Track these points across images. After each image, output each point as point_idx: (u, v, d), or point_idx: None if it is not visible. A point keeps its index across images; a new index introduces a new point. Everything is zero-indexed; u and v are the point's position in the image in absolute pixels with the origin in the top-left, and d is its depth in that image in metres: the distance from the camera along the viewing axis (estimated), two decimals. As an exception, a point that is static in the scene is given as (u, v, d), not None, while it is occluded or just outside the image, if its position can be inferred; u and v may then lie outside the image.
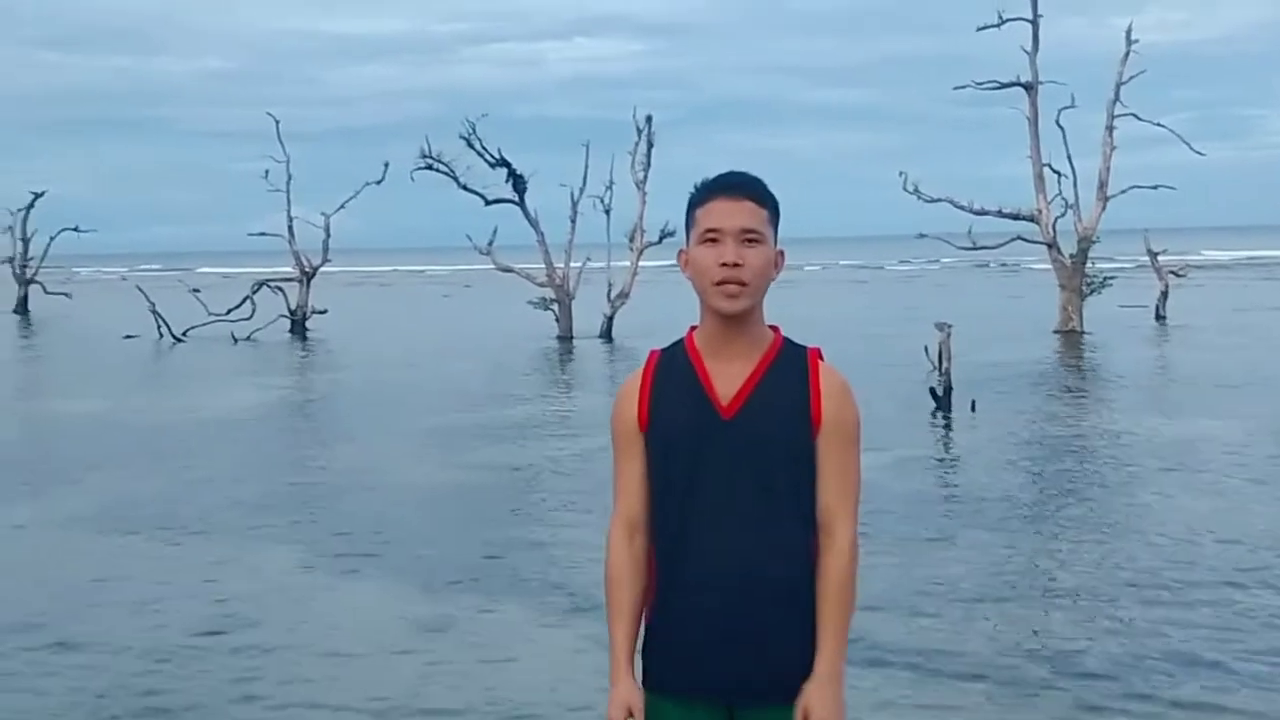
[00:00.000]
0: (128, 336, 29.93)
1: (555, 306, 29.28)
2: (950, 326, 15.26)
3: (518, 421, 15.28)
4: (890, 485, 10.36)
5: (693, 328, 2.82)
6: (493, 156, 29.59)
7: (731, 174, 2.76)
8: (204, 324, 30.21)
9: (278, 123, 34.31)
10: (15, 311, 43.18)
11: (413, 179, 30.24)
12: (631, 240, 30.35)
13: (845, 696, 2.70)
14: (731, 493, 2.67)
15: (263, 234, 35.31)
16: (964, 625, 6.96)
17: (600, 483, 11.42)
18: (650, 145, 30.46)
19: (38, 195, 46.18)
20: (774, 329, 2.80)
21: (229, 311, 30.37)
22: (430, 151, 29.61)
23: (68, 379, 23.30)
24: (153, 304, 30.28)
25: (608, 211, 30.76)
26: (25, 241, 45.87)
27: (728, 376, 2.71)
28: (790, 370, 2.71)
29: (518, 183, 29.72)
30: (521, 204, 29.99)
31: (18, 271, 45.62)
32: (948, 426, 14.31)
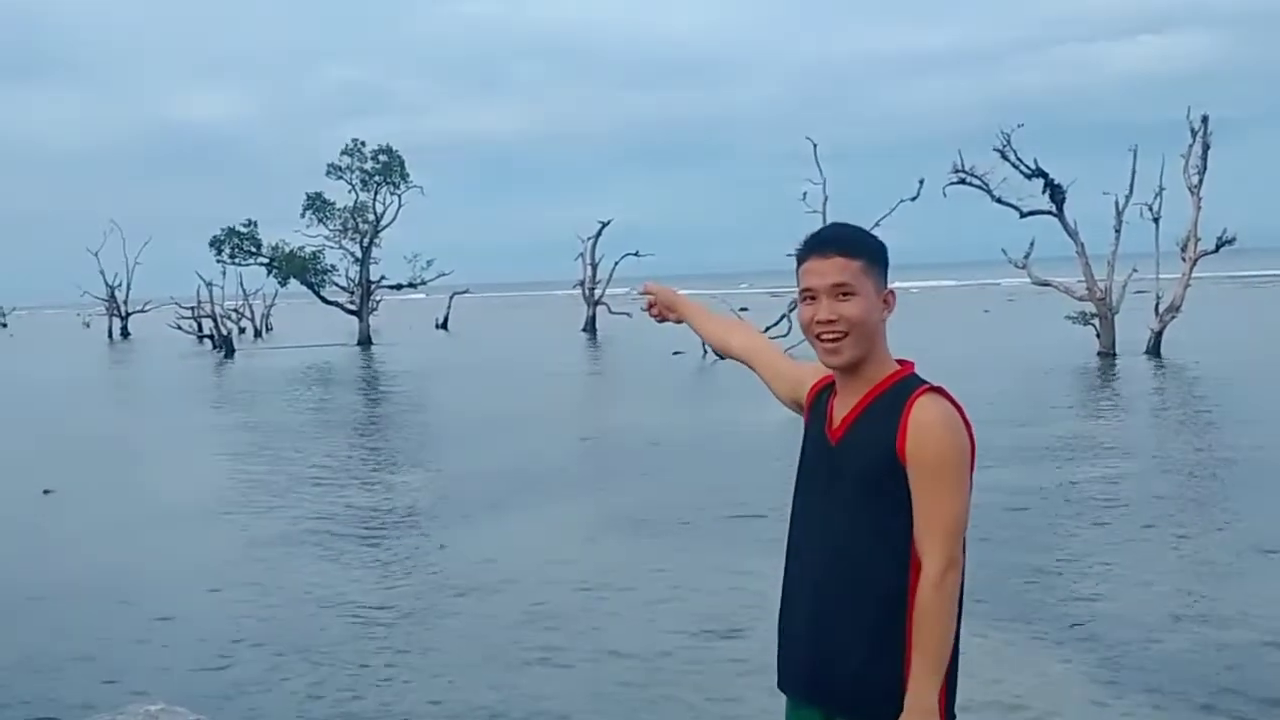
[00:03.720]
0: (675, 353, 32.09)
1: (1096, 321, 27.85)
2: None
3: (1047, 442, 14.73)
4: None
5: None
6: (1028, 167, 28.72)
7: (823, 231, 2.90)
8: (744, 341, 31.69)
9: (815, 146, 35.47)
10: (584, 330, 47.65)
11: (944, 194, 30.06)
12: (1184, 249, 28.27)
13: None
14: (829, 517, 2.78)
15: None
16: None
17: (1115, 504, 10.82)
18: (1206, 147, 28.20)
19: (605, 224, 50.86)
20: (904, 364, 2.82)
21: (766, 329, 31.66)
22: (963, 165, 29.27)
23: (619, 392, 25.42)
24: (697, 323, 32.24)
25: (1156, 219, 28.89)
26: (594, 266, 50.54)
27: (844, 406, 2.82)
28: (890, 405, 2.73)
29: (1055, 193, 28.61)
30: (1059, 215, 28.83)
31: (587, 294, 50.30)
32: None
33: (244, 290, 60.05)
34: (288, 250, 48.80)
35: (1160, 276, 27.97)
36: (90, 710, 6.13)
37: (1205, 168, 28.08)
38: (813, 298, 2.79)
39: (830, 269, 2.78)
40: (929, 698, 2.62)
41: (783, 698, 2.98)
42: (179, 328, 51.90)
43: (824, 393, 2.92)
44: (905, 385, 2.76)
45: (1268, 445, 13.84)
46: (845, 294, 2.76)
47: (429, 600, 8.54)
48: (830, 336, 2.76)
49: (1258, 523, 9.99)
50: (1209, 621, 7.37)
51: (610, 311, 48.77)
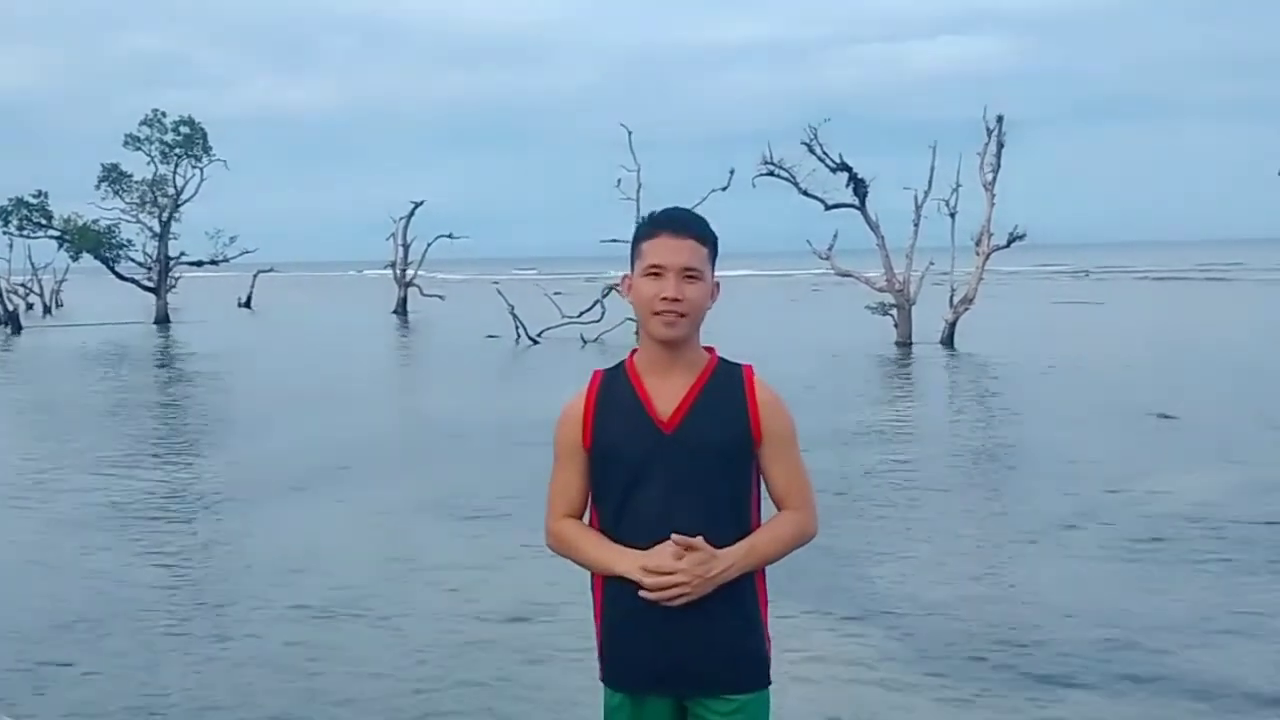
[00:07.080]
0: (489, 336, 31.96)
1: (894, 311, 28.88)
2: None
3: (841, 428, 15.20)
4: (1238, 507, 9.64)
5: (634, 351, 2.99)
6: (834, 161, 29.55)
7: (676, 211, 2.95)
8: (557, 326, 31.79)
9: (630, 133, 35.67)
10: (395, 312, 46.95)
11: (754, 185, 30.68)
12: (978, 244, 29.51)
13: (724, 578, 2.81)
14: (672, 503, 2.82)
15: (614, 240, 36.59)
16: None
17: (908, 489, 11.27)
18: (1001, 146, 29.49)
19: (417, 205, 50.15)
20: (709, 350, 2.96)
21: (581, 314, 31.83)
22: (771, 157, 29.92)
23: (431, 376, 25.17)
24: (512, 307, 32.17)
25: (953, 215, 30.07)
26: (405, 248, 49.80)
27: (666, 394, 2.88)
28: (727, 387, 2.90)
29: (858, 187, 29.53)
30: (862, 208, 29.76)
31: (398, 275, 49.54)
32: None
33: (33, 264, 56.97)
34: (81, 223, 46.63)
35: (955, 270, 29.16)
36: None
37: (999, 165, 29.36)
38: (659, 275, 2.84)
39: (684, 250, 2.86)
40: (740, 563, 2.83)
41: (597, 686, 2.99)
42: (-41, 302, 49.02)
43: (607, 399, 2.95)
44: (729, 368, 2.95)
45: (1048, 433, 14.61)
46: (692, 277, 2.85)
47: (227, 588, 8.32)
48: (672, 313, 2.84)
49: (1037, 507, 10.55)
50: (996, 601, 7.76)
51: (422, 294, 48.15)
